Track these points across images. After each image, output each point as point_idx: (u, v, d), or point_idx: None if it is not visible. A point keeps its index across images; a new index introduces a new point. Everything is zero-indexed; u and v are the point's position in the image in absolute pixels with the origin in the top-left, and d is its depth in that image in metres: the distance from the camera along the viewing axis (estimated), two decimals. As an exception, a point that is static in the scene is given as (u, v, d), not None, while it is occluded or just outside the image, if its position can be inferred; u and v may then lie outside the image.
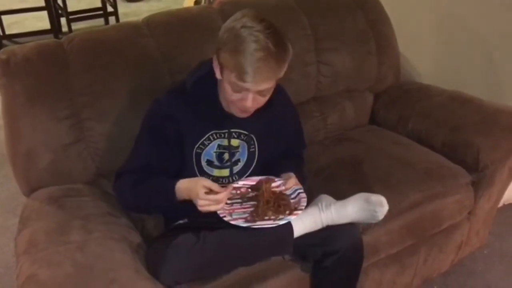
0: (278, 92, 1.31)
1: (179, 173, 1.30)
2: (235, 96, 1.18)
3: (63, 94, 1.45)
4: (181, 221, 1.38)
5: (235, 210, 1.27)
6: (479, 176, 1.75)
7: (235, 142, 1.34)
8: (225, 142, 1.33)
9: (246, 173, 1.39)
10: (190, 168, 1.33)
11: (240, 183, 1.35)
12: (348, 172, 1.69)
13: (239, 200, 1.31)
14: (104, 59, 1.52)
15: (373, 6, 2.08)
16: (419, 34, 2.51)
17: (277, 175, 1.37)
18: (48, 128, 1.44)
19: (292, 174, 1.34)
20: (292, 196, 1.32)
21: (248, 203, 1.30)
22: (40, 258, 1.15)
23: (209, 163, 1.34)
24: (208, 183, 1.18)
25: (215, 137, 1.32)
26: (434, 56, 2.51)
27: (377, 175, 1.66)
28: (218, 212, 1.20)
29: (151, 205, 1.31)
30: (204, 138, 1.31)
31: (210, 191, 1.17)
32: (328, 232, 1.32)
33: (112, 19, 4.68)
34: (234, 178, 1.38)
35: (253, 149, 1.38)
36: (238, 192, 1.33)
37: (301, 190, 1.32)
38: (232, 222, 1.19)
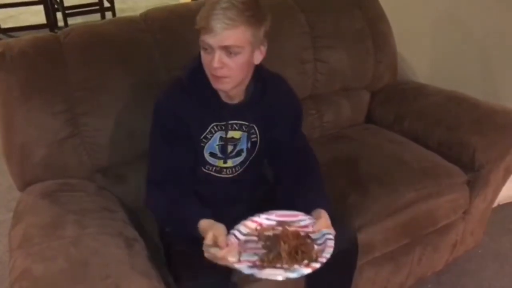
0: (275, 81, 1.31)
1: None
2: (206, 58, 1.17)
3: (58, 88, 1.44)
4: None
5: (247, 250, 1.13)
6: (475, 176, 1.75)
7: (236, 134, 1.33)
8: (224, 134, 1.32)
9: (246, 162, 1.38)
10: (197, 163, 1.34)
11: (263, 216, 1.21)
12: (344, 170, 1.69)
13: (255, 238, 1.17)
14: (101, 54, 1.51)
15: (371, 4, 2.08)
16: (416, 34, 2.51)
17: (305, 196, 1.28)
18: (43, 122, 1.43)
19: (324, 214, 1.21)
20: (319, 241, 1.13)
21: (264, 243, 1.15)
22: (34, 253, 1.15)
23: (212, 155, 1.34)
24: (218, 232, 1.11)
25: (216, 129, 1.30)
26: (431, 55, 2.52)
27: (373, 174, 1.66)
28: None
29: (178, 230, 1.31)
30: (206, 131, 1.30)
31: (214, 244, 1.11)
32: None
33: (108, 15, 4.65)
34: (236, 169, 1.37)
35: (255, 139, 1.36)
36: (258, 227, 1.19)
37: (330, 236, 1.12)
38: (236, 266, 1.07)
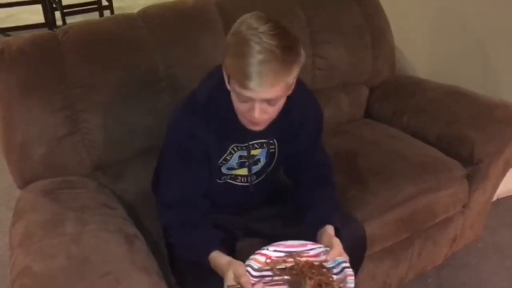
0: (299, 96, 1.19)
1: None
2: (243, 107, 1.08)
3: (57, 86, 1.44)
4: None
5: (266, 287, 1.08)
6: (474, 170, 1.75)
7: (257, 151, 1.28)
8: (245, 153, 1.27)
9: (263, 172, 1.34)
10: (212, 177, 1.30)
11: (271, 249, 1.15)
12: (343, 166, 1.69)
13: (269, 273, 1.12)
14: (99, 51, 1.51)
15: (369, 0, 2.08)
16: (414, 29, 2.51)
17: (310, 211, 1.26)
18: (42, 120, 1.43)
19: (335, 240, 1.16)
20: (335, 271, 1.10)
21: (280, 277, 1.10)
22: (34, 250, 1.15)
23: (230, 169, 1.30)
24: (239, 272, 1.07)
25: (236, 150, 1.26)
26: (429, 50, 2.52)
27: (372, 168, 1.66)
28: None
29: (192, 257, 1.26)
30: (226, 153, 1.25)
31: (238, 284, 1.06)
32: None
33: (107, 13, 4.64)
34: (252, 178, 1.33)
35: (273, 150, 1.31)
36: (268, 260, 1.14)
37: (347, 264, 1.09)
38: None
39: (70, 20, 4.34)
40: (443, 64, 2.45)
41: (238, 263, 1.10)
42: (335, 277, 1.09)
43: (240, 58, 1.00)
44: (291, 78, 1.05)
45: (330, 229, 1.21)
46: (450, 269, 1.97)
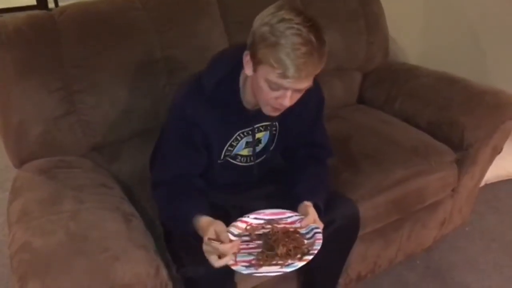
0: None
1: None
2: (272, 94, 1.10)
3: (54, 66, 1.45)
4: None
5: (241, 251, 1.16)
6: (463, 154, 1.79)
7: (261, 134, 1.31)
8: (251, 138, 1.29)
9: (264, 154, 1.36)
10: (213, 160, 1.31)
11: (252, 216, 1.23)
12: (337, 149, 1.69)
13: (247, 238, 1.20)
14: (96, 32, 1.52)
15: (364, -15, 2.09)
16: (407, 16, 2.53)
17: (295, 188, 1.30)
18: (39, 100, 1.43)
19: (310, 208, 1.22)
20: (308, 236, 1.17)
21: (256, 242, 1.18)
22: (33, 226, 1.16)
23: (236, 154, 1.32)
24: (219, 229, 1.12)
25: (242, 136, 1.28)
26: (422, 37, 2.54)
27: (364, 152, 1.69)
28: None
29: (178, 227, 1.29)
30: (232, 139, 1.27)
31: (217, 239, 1.11)
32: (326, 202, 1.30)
33: (99, -4, 4.60)
34: (252, 158, 1.35)
35: (275, 132, 1.33)
36: (248, 227, 1.22)
37: (318, 230, 1.17)
38: (234, 268, 1.09)
39: (62, 2, 4.29)
40: (435, 51, 2.48)
41: (219, 222, 1.15)
42: (306, 241, 1.16)
43: (280, 50, 1.02)
44: (321, 68, 1.09)
45: (309, 203, 1.24)
46: (439, 252, 2.02)
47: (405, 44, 2.57)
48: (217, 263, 1.09)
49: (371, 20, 2.06)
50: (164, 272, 1.17)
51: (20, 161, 1.48)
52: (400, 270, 1.92)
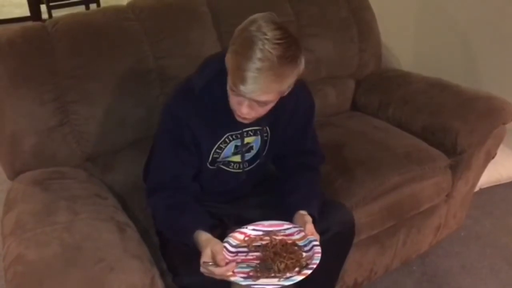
0: (296, 90, 1.20)
1: None
2: (233, 100, 1.13)
3: (47, 77, 1.45)
4: None
5: (239, 261, 1.16)
6: (457, 160, 1.80)
7: (251, 139, 1.31)
8: (240, 142, 1.30)
9: (257, 160, 1.36)
10: (203, 163, 1.32)
11: (250, 228, 1.23)
12: (330, 156, 1.70)
13: (245, 249, 1.20)
14: (89, 42, 1.52)
15: (356, -7, 2.11)
16: (399, 23, 2.55)
17: (289, 197, 1.31)
18: (32, 111, 1.43)
19: (307, 217, 1.23)
20: (306, 248, 1.17)
21: (255, 253, 1.18)
22: (27, 238, 1.16)
23: (224, 158, 1.33)
24: (216, 249, 1.12)
25: (231, 139, 1.28)
26: (414, 44, 2.56)
27: (359, 159, 1.69)
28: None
29: (177, 237, 1.29)
30: (220, 141, 1.28)
31: (213, 260, 1.11)
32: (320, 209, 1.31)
33: (93, 7, 4.61)
34: (245, 165, 1.35)
35: (266, 138, 1.34)
36: (246, 238, 1.22)
37: (316, 243, 1.16)
38: (231, 279, 1.10)
39: (56, 13, 4.31)
40: (427, 57, 2.50)
41: (216, 241, 1.16)
42: (304, 254, 1.15)
43: (240, 58, 1.03)
44: (285, 87, 1.09)
45: (304, 213, 1.25)
46: (434, 257, 2.02)
47: (397, 51, 2.59)
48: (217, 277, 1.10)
49: (363, 28, 2.07)
50: (159, 282, 1.17)
51: (14, 173, 1.47)
52: (396, 277, 1.92)
